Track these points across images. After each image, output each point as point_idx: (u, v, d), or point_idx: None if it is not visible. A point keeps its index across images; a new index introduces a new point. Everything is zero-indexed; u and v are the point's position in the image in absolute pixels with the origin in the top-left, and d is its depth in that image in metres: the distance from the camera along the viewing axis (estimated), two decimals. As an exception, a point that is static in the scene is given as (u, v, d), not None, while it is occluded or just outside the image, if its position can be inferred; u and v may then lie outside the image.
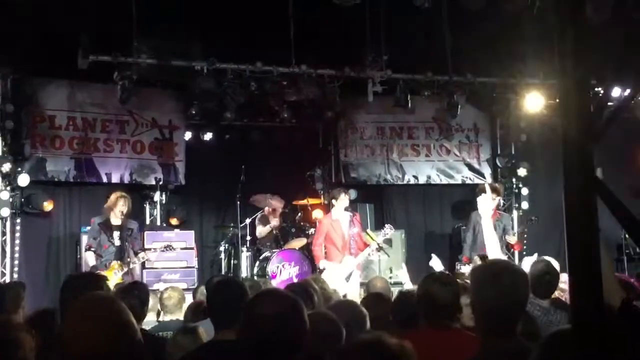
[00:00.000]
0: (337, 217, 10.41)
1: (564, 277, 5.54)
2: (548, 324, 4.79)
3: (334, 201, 10.49)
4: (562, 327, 2.30)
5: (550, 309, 5.02)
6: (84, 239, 11.28)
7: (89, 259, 9.94)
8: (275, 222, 12.61)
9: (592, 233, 1.83)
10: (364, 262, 10.61)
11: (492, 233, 5.79)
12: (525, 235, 13.45)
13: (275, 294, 2.99)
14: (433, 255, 8.43)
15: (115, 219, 9.99)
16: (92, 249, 9.90)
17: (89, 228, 10.37)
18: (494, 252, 8.94)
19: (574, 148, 1.85)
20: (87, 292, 3.68)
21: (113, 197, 10.10)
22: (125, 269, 9.58)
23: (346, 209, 10.41)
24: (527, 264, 5.82)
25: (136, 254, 9.90)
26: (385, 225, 10.74)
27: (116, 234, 9.91)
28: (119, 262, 9.67)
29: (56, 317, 4.86)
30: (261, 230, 12.58)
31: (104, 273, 9.43)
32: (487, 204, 6.15)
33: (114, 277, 9.34)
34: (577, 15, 1.88)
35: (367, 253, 10.25)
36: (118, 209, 9.94)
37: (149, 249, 10.26)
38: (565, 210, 1.84)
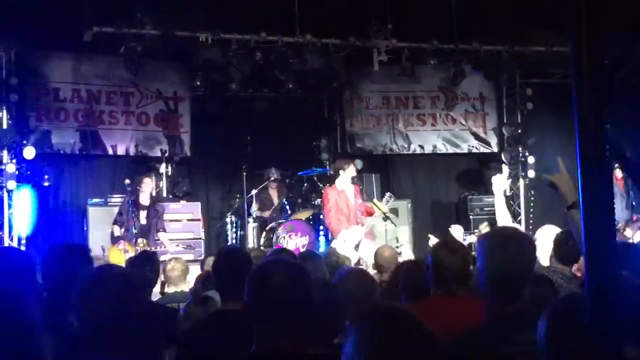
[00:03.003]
0: (343, 188, 10.36)
1: None
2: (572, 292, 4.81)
3: (341, 172, 10.43)
4: (573, 292, 2.30)
5: (572, 277, 5.03)
6: (91, 211, 11.35)
7: (115, 231, 10.49)
8: (275, 198, 12.53)
9: (607, 199, 1.81)
10: (369, 232, 10.58)
11: (505, 211, 5.87)
12: (532, 205, 13.48)
13: (281, 262, 2.96)
14: (431, 236, 8.42)
15: (144, 198, 10.63)
16: (118, 223, 10.47)
17: (120, 200, 10.97)
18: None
19: (586, 113, 1.83)
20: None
21: (140, 179, 10.81)
22: (150, 249, 9.81)
23: (353, 180, 10.37)
24: (541, 234, 5.81)
25: (157, 231, 10.54)
26: (385, 194, 10.68)
27: (143, 213, 10.55)
28: (145, 240, 10.13)
29: None
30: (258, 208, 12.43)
31: (126, 247, 9.71)
32: (501, 183, 6.18)
33: (125, 255, 9.52)
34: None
35: (372, 222, 10.23)
36: (143, 188, 10.62)
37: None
38: (581, 177, 1.81)
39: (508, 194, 13.15)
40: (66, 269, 3.68)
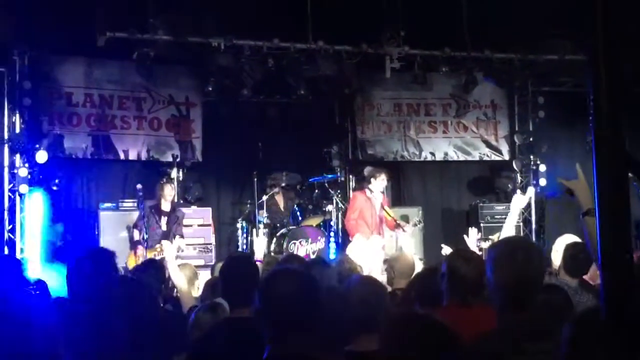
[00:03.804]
0: (371, 196, 10.38)
1: None
2: (577, 305, 4.79)
3: (372, 180, 10.42)
4: (594, 305, 2.31)
5: (578, 289, 5.02)
6: (102, 216, 11.38)
7: (135, 235, 10.59)
8: (281, 204, 12.51)
9: (624, 209, 1.80)
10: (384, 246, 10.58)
11: (512, 228, 5.88)
12: (544, 212, 13.43)
13: (291, 273, 2.99)
14: (444, 246, 8.38)
15: (165, 204, 10.73)
16: (138, 228, 10.50)
17: (132, 205, 11.11)
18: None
19: (605, 121, 1.82)
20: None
21: (161, 185, 10.91)
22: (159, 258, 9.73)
23: (384, 189, 10.43)
24: (560, 243, 5.80)
25: (174, 237, 10.49)
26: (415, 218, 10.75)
27: (164, 219, 10.62)
28: (162, 246, 10.02)
29: None
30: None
31: (146, 253, 9.79)
32: (520, 203, 6.22)
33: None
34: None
35: (396, 235, 10.28)
36: (165, 194, 10.71)
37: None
38: (597, 188, 1.81)
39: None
40: (92, 280, 3.68)
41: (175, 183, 12.26)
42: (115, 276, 3.79)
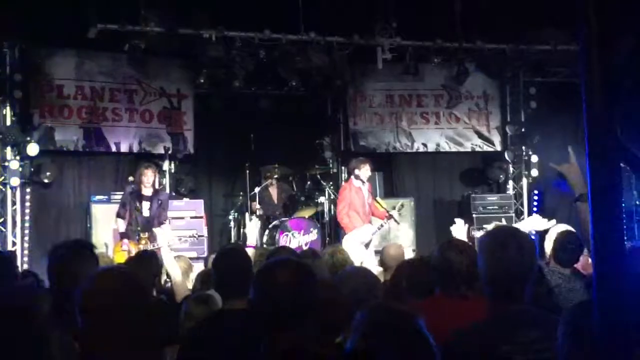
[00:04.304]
0: (359, 185, 10.39)
1: None
2: (570, 290, 4.81)
3: (356, 171, 10.42)
4: (587, 299, 2.32)
5: (571, 277, 5.03)
6: (94, 209, 11.35)
7: (119, 225, 10.20)
8: (274, 194, 12.50)
9: (617, 199, 1.80)
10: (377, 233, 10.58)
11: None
12: (536, 204, 13.47)
13: (287, 262, 2.99)
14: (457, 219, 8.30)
15: (145, 189, 10.21)
16: (121, 216, 10.15)
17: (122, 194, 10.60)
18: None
19: (597, 111, 1.81)
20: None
21: (140, 170, 10.34)
22: (152, 246, 9.55)
23: (367, 179, 10.41)
24: (554, 232, 5.81)
25: (160, 223, 10.08)
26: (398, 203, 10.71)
27: (145, 204, 10.14)
28: (147, 234, 9.83)
29: None
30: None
31: (130, 247, 9.60)
32: (460, 232, 6.28)
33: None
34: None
35: (379, 223, 10.25)
36: (144, 179, 10.16)
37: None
38: (590, 177, 1.80)
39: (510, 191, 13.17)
40: (71, 269, 3.67)
41: (167, 175, 12.25)
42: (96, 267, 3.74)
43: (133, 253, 9.42)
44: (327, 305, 3.14)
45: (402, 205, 10.97)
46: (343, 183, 11.59)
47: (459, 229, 6.70)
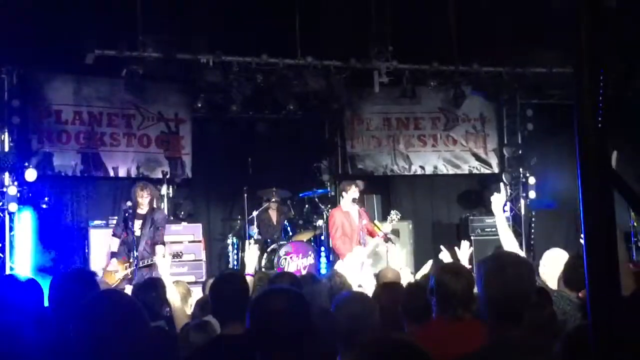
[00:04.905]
0: (348, 209, 10.36)
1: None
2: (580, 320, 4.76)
3: (344, 193, 10.42)
4: (583, 323, 2.32)
5: (581, 304, 4.98)
6: (92, 234, 11.33)
7: (112, 245, 10.02)
8: (274, 218, 12.49)
9: (610, 223, 1.81)
10: (372, 253, 10.54)
11: (509, 234, 5.79)
12: (533, 226, 13.46)
13: (280, 291, 3.04)
14: (443, 248, 8.33)
15: (140, 209, 9.96)
16: (116, 235, 9.95)
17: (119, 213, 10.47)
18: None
19: (589, 137, 1.83)
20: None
21: (134, 190, 10.09)
22: (129, 270, 9.40)
23: (354, 201, 10.32)
24: (549, 257, 5.79)
25: (155, 244, 9.80)
26: (391, 212, 10.63)
27: (138, 223, 9.85)
28: (124, 262, 9.59)
29: None
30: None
31: (117, 266, 9.49)
32: (500, 201, 6.15)
33: (115, 276, 9.39)
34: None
35: (375, 243, 10.19)
36: (140, 200, 9.92)
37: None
38: (582, 202, 1.82)
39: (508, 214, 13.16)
40: (72, 295, 3.69)
41: (166, 199, 12.23)
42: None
43: (120, 272, 9.40)
44: (324, 330, 3.16)
45: (397, 235, 10.90)
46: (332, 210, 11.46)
47: (463, 251, 6.71)
